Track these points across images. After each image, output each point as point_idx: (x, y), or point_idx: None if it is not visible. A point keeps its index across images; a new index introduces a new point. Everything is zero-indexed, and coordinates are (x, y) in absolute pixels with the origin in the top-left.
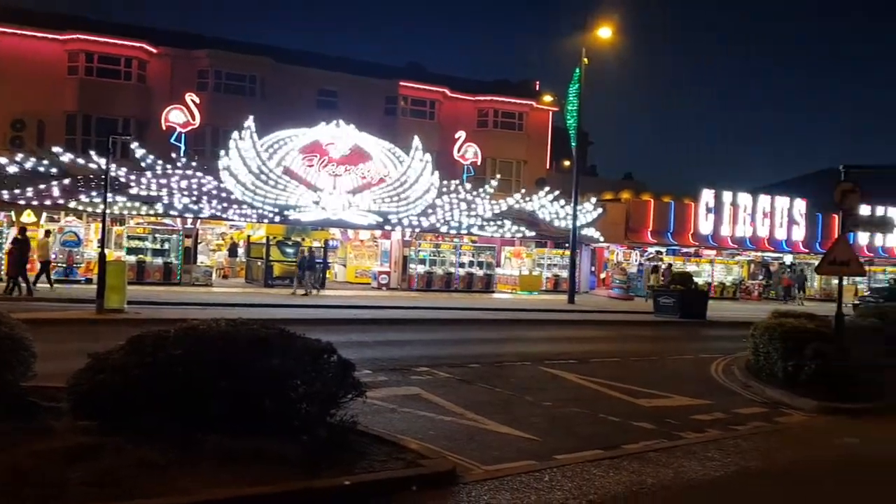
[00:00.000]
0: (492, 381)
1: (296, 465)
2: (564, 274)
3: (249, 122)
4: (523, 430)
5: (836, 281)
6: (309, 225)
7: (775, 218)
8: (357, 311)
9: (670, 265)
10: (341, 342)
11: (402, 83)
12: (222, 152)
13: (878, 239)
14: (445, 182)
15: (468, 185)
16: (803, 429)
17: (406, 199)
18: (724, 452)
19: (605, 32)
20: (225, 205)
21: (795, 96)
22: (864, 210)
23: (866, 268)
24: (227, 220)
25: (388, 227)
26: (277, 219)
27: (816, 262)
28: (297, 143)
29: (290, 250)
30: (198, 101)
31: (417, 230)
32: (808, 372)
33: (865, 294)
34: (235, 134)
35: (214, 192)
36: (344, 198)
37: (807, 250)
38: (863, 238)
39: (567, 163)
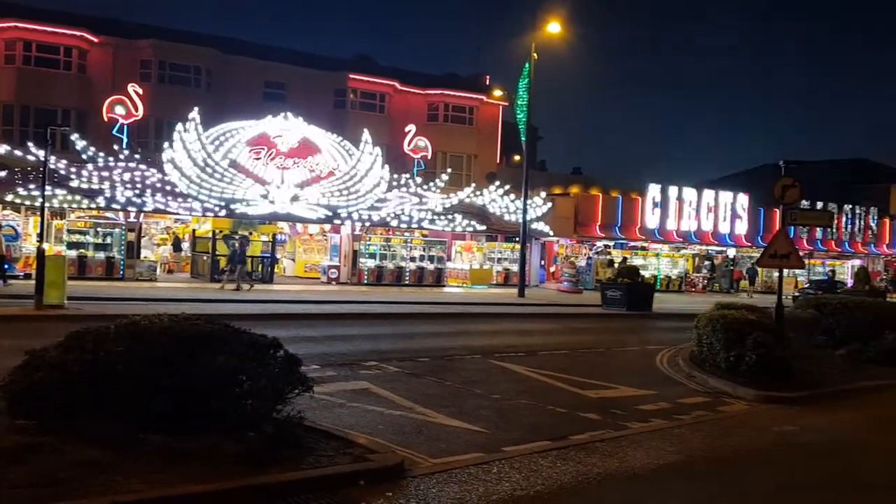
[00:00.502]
0: (441, 375)
1: (242, 461)
2: (515, 268)
3: (194, 113)
4: (472, 423)
5: (776, 274)
6: (256, 219)
7: (719, 212)
8: (306, 306)
9: (625, 258)
10: (289, 337)
11: (351, 76)
12: (166, 145)
13: (818, 232)
14: (396, 176)
15: (419, 179)
16: (744, 417)
17: (356, 193)
18: (668, 442)
19: (554, 28)
20: (169, 198)
21: (741, 93)
22: (804, 204)
23: (806, 261)
24: (171, 213)
25: (337, 221)
26: (224, 212)
27: (758, 256)
28: (244, 135)
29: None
30: (141, 92)
31: (367, 224)
32: (749, 362)
33: (805, 286)
34: (180, 126)
35: (158, 185)
36: (292, 191)
37: (749, 244)
38: (802, 231)
39: (517, 157)
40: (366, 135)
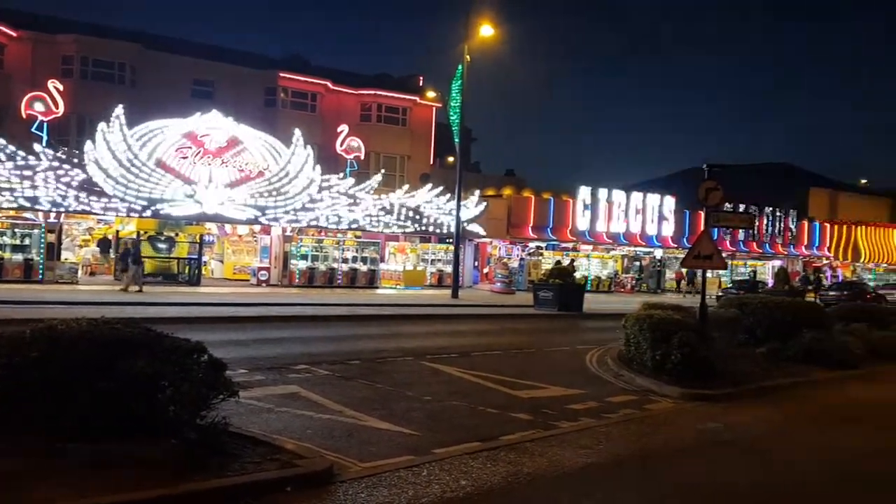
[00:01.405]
0: (372, 378)
1: (165, 469)
2: (448, 269)
3: (118, 111)
4: (403, 426)
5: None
6: (183, 219)
7: (647, 214)
8: (234, 309)
9: (573, 261)
10: (216, 341)
11: (282, 74)
12: (89, 142)
13: (740, 234)
14: (328, 176)
15: (351, 180)
16: (670, 415)
17: (286, 194)
18: (595, 440)
19: (487, 30)
20: (92, 198)
21: (670, 97)
22: (728, 207)
23: (729, 261)
24: (93, 213)
25: (267, 222)
26: (149, 213)
27: (683, 257)
28: (171, 134)
29: (162, 246)
30: (62, 88)
31: (299, 225)
32: (675, 361)
33: (728, 286)
34: (103, 124)
35: (80, 184)
36: (220, 191)
37: (675, 245)
38: (726, 233)
39: (451, 159)
40: (297, 134)
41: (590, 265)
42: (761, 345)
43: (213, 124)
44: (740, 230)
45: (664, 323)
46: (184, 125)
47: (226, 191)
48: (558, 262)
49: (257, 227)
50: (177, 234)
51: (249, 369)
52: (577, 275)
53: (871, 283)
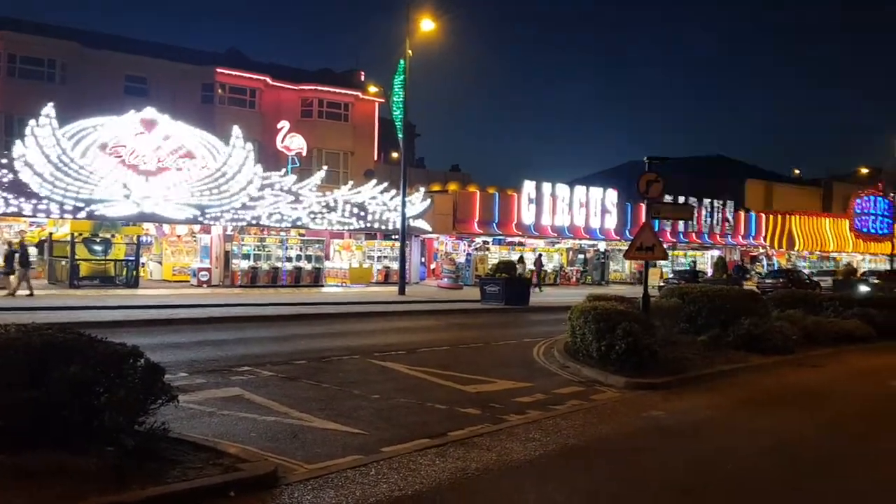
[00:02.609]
0: (318, 377)
1: (101, 478)
2: (395, 265)
3: (49, 109)
4: (350, 425)
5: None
6: (119, 220)
7: (590, 207)
8: (173, 311)
9: (540, 255)
10: (154, 345)
11: (219, 70)
12: (18, 143)
13: (680, 225)
14: (269, 173)
15: (293, 177)
16: (615, 404)
17: (226, 192)
18: (543, 432)
19: (427, 25)
20: (22, 199)
21: (615, 93)
22: (668, 198)
23: (670, 252)
24: (24, 216)
25: (207, 221)
26: (83, 214)
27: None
28: (104, 132)
29: (98, 248)
30: None
31: (240, 224)
32: (619, 351)
33: (670, 276)
34: (33, 122)
35: (9, 185)
36: (157, 190)
37: (618, 237)
38: (666, 224)
39: (395, 154)
40: (236, 131)
41: (536, 258)
42: (702, 333)
43: (148, 122)
44: (680, 222)
45: (608, 314)
46: (118, 123)
47: (163, 190)
48: (522, 259)
49: (197, 227)
50: (113, 236)
51: (190, 372)
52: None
53: (806, 271)
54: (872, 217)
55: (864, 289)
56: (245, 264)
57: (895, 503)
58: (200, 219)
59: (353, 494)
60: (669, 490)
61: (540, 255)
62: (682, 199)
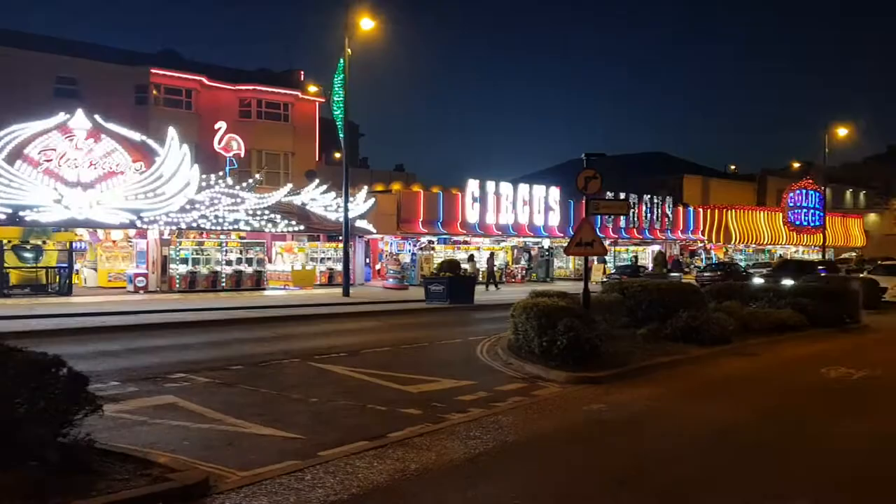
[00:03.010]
0: (256, 382)
1: (24, 494)
2: (339, 267)
3: None
4: (287, 430)
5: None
6: (50, 226)
7: (534, 205)
8: (107, 318)
9: (492, 254)
10: (86, 353)
11: (153, 71)
12: None
13: (622, 221)
14: (207, 176)
15: (230, 179)
16: (556, 399)
17: (162, 195)
18: (484, 430)
19: (367, 24)
20: None
21: (554, 93)
22: (610, 195)
23: (613, 248)
24: None
25: (142, 226)
26: (11, 220)
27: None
28: (33, 135)
29: (28, 255)
30: None
31: (177, 228)
32: (560, 346)
33: (612, 272)
34: None
35: None
36: (90, 195)
37: (562, 234)
38: (608, 220)
39: (338, 155)
40: (171, 132)
41: (481, 257)
42: (642, 326)
43: (80, 124)
44: (622, 217)
45: (550, 310)
46: (47, 126)
47: (96, 194)
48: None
49: (132, 232)
50: (44, 242)
51: (122, 381)
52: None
53: (743, 263)
54: (805, 210)
55: (757, 281)
56: (183, 269)
57: (825, 489)
58: (136, 223)
59: (288, 501)
60: (607, 482)
61: (492, 254)
62: (622, 195)
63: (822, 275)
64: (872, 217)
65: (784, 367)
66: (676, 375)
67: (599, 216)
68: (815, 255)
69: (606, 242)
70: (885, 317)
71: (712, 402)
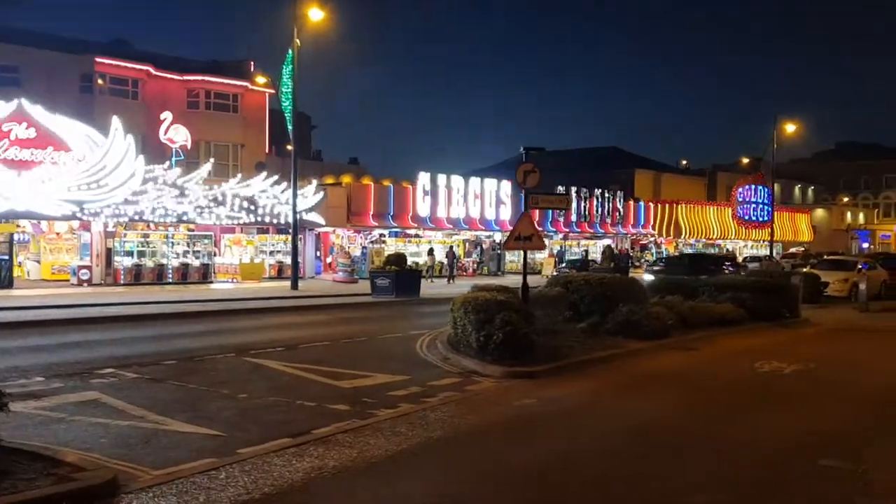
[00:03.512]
0: (186, 378)
1: None
2: (289, 260)
3: None
4: (210, 427)
5: (539, 256)
6: None
7: (485, 199)
8: (46, 312)
9: (452, 247)
10: (15, 348)
11: (98, 59)
12: None
13: (573, 215)
14: (153, 167)
15: (178, 170)
16: (489, 395)
17: (106, 186)
18: (411, 426)
19: (316, 14)
20: None
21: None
22: (560, 189)
23: (564, 242)
24: None
25: (86, 217)
26: None
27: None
28: None
29: None
30: None
31: (122, 219)
32: (497, 340)
33: (562, 266)
34: None
35: None
36: (31, 186)
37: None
38: (560, 215)
39: (290, 147)
40: (115, 122)
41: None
42: (585, 320)
43: (20, 113)
44: (573, 212)
45: (488, 304)
46: None
47: (37, 185)
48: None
49: (76, 224)
50: None
51: (47, 377)
52: (419, 260)
53: None
54: (753, 205)
55: (647, 277)
56: (128, 261)
57: (743, 483)
58: (79, 215)
59: (197, 500)
60: (527, 478)
61: (452, 248)
62: (574, 190)
63: (729, 272)
64: (820, 212)
65: (719, 361)
66: (612, 370)
67: (551, 210)
68: (763, 251)
69: (559, 237)
70: (825, 311)
71: (643, 397)
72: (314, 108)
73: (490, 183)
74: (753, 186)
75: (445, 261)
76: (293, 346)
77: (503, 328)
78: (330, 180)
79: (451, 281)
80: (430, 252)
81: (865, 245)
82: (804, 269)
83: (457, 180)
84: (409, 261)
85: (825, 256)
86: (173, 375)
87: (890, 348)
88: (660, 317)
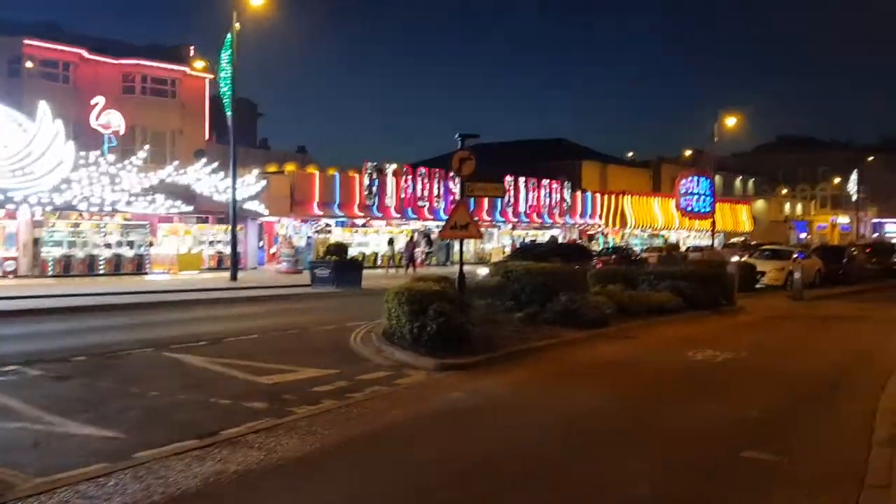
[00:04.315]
0: (95, 375)
1: None
2: (229, 250)
3: None
4: (110, 429)
5: (489, 245)
6: None
7: (434, 188)
8: None
9: (412, 237)
10: None
11: (27, 42)
12: None
13: (521, 205)
14: (85, 153)
15: (111, 157)
16: (418, 388)
17: (32, 174)
18: (329, 424)
19: None
20: None
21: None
22: (508, 179)
23: (512, 232)
24: None
25: (11, 206)
26: None
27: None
28: None
29: None
30: None
31: (50, 208)
32: (431, 331)
33: (509, 256)
34: None
35: None
36: None
37: None
38: (507, 205)
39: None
40: (43, 107)
41: (380, 240)
42: (524, 310)
43: None
44: (520, 202)
45: (422, 294)
46: None
47: None
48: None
49: (1, 212)
50: None
51: None
52: (366, 251)
53: (638, 248)
54: (696, 196)
55: (482, 271)
56: (57, 252)
57: (669, 472)
58: (4, 203)
59: None
60: (441, 476)
61: (411, 238)
62: (523, 181)
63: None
64: (760, 203)
65: (654, 349)
66: (547, 359)
67: (499, 199)
68: (705, 241)
69: (507, 227)
70: (760, 300)
71: (576, 387)
72: (265, 97)
73: (438, 172)
74: (696, 178)
75: (405, 251)
76: (220, 339)
77: (436, 319)
78: (272, 168)
79: (413, 271)
80: (390, 242)
81: (803, 235)
82: (741, 259)
83: (404, 169)
84: (356, 251)
85: (761, 247)
86: (83, 372)
87: (819, 335)
88: (598, 306)
